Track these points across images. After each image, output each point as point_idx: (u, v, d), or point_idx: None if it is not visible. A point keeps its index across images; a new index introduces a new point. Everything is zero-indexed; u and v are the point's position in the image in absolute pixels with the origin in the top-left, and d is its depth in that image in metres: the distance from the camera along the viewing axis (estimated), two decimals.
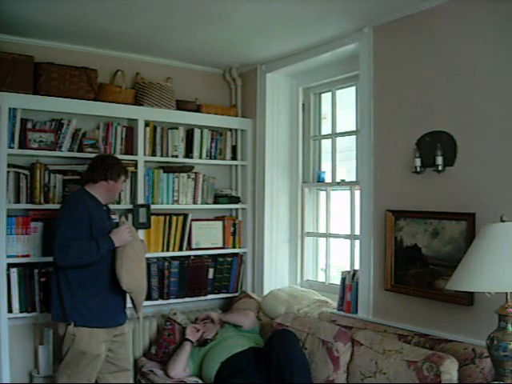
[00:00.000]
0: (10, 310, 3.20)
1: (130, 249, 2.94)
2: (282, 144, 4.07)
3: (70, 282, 2.84)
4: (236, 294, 4.04)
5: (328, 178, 3.91)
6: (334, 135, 3.85)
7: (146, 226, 3.63)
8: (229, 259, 4.05)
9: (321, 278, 4.01)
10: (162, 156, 3.82)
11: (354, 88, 3.66)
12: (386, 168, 3.08)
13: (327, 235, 3.87)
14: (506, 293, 2.12)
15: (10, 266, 3.20)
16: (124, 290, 2.93)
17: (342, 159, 3.86)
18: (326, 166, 4.01)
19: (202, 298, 3.92)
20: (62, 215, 2.88)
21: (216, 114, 4.06)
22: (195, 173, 3.96)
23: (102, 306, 2.90)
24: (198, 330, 3.39)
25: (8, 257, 3.18)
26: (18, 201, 3.26)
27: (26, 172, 3.29)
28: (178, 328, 3.55)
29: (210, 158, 4.05)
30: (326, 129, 4.03)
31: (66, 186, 3.41)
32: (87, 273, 2.85)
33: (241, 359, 3.11)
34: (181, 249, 3.86)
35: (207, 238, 3.98)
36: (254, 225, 4.13)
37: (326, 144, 4.03)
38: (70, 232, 2.80)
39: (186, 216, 3.88)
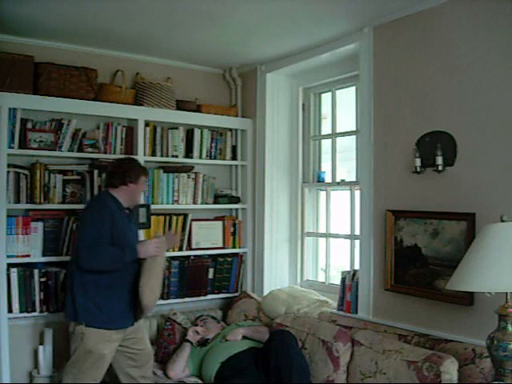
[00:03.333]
0: (10, 310, 3.20)
1: (159, 266, 2.97)
2: (282, 144, 4.07)
3: (85, 282, 2.84)
4: (236, 294, 4.04)
5: (328, 178, 3.91)
6: (333, 135, 3.85)
7: (146, 225, 3.62)
8: (229, 259, 4.05)
9: (321, 277, 4.01)
10: (161, 156, 3.82)
11: (354, 88, 3.66)
12: (386, 168, 3.08)
13: (327, 235, 3.87)
14: (506, 293, 2.12)
15: (10, 265, 3.20)
16: (139, 302, 2.90)
17: (342, 159, 3.86)
18: (326, 166, 4.00)
19: (202, 297, 3.93)
20: (87, 217, 2.89)
21: (216, 113, 4.06)
22: (195, 173, 3.96)
23: (114, 308, 2.89)
24: (199, 333, 3.39)
25: (8, 257, 3.18)
26: (18, 201, 3.26)
27: (26, 172, 3.29)
28: (178, 328, 3.55)
29: (210, 158, 4.05)
30: (326, 129, 4.03)
31: (66, 185, 3.41)
32: (103, 275, 2.85)
33: (241, 359, 3.11)
34: (181, 249, 3.85)
35: (207, 237, 3.98)
36: (254, 225, 4.13)
37: (326, 144, 4.02)
38: (94, 234, 2.80)
39: (186, 216, 3.88)
